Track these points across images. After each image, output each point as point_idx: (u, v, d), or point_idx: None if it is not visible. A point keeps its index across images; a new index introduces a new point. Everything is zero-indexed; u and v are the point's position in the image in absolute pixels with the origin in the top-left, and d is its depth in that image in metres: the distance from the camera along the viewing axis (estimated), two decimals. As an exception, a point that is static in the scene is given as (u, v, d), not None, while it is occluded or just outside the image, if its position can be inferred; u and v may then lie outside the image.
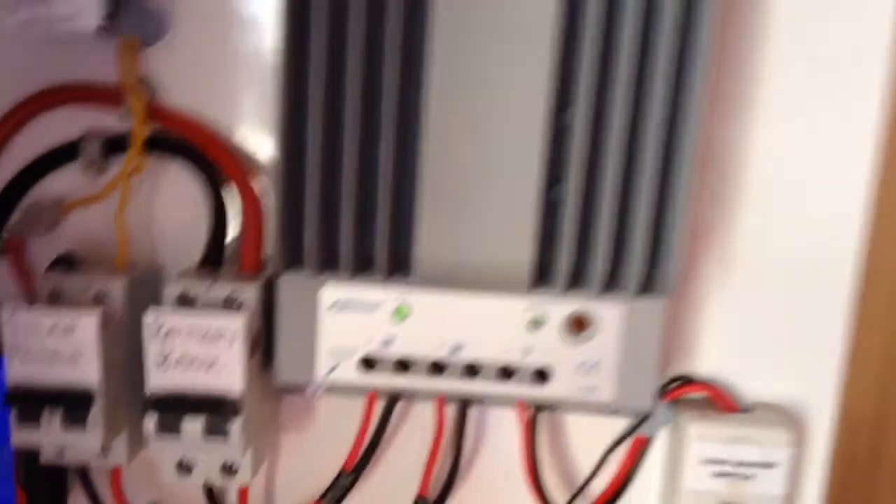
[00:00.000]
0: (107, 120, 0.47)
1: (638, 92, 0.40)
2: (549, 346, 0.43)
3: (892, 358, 0.43)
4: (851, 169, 0.46)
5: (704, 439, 0.46)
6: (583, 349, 0.43)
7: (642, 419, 0.48)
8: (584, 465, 0.50)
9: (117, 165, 0.47)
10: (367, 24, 0.40)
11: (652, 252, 0.42)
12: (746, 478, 0.46)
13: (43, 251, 0.48)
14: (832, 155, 0.46)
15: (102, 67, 0.46)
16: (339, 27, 0.40)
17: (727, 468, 0.46)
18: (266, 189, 0.47)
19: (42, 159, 0.48)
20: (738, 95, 0.46)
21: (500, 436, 0.50)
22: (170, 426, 0.41)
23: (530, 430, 0.47)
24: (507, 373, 0.44)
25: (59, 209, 0.48)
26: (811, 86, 0.45)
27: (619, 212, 0.41)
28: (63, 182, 0.48)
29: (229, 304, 0.43)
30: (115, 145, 0.47)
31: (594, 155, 0.41)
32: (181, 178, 0.48)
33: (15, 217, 0.48)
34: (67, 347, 0.41)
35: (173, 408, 0.41)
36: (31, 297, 0.47)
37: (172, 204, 0.48)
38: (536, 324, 0.43)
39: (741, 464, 0.46)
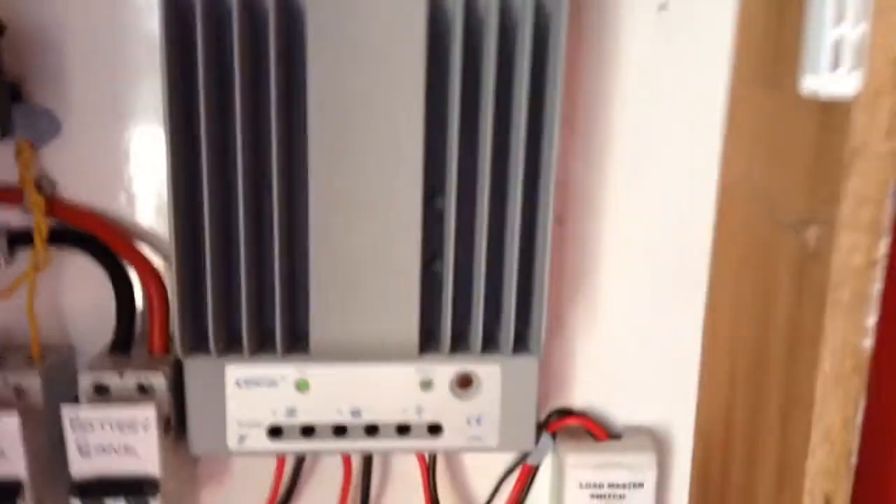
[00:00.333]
0: (8, 216, 0.50)
1: (498, 182, 0.46)
2: (440, 404, 0.48)
3: (734, 385, 0.50)
4: (693, 227, 0.52)
5: (580, 467, 0.52)
6: (469, 404, 0.48)
7: (527, 451, 0.54)
8: (481, 494, 0.56)
9: (23, 257, 0.50)
10: (251, 117, 0.44)
11: (521, 317, 0.47)
12: (620, 497, 0.52)
13: (-46, 345, 0.51)
14: (676, 212, 0.52)
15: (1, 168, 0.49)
16: (225, 122, 0.44)
17: (602, 490, 0.52)
18: (168, 274, 0.50)
19: (-54, 256, 0.50)
20: (587, 180, 0.51)
21: (404, 479, 0.55)
22: (95, 510, 0.45)
23: (428, 473, 0.53)
24: (403, 429, 0.49)
25: (-32, 304, 0.50)
26: (655, 155, 0.51)
27: (490, 283, 0.47)
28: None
29: (141, 390, 0.47)
30: (18, 239, 0.50)
31: (465, 234, 0.46)
32: (85, 266, 0.51)
33: (-77, 313, 0.50)
34: (-10, 445, 0.44)
35: (96, 493, 0.45)
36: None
37: (79, 291, 0.51)
38: (426, 385, 0.48)
39: (613, 485, 0.52)
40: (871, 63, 0.35)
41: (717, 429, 0.53)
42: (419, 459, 0.53)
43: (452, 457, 0.56)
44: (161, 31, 0.42)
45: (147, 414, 0.45)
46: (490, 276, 0.47)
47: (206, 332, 0.46)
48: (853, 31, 0.34)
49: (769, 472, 0.45)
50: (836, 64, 0.35)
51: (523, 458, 0.54)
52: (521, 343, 0.48)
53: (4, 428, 0.44)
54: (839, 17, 0.35)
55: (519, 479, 0.55)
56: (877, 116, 0.36)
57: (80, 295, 0.52)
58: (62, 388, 0.50)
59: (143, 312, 0.51)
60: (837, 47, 0.35)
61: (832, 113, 0.38)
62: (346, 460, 0.53)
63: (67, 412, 0.44)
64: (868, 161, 0.36)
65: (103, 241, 0.50)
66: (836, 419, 0.41)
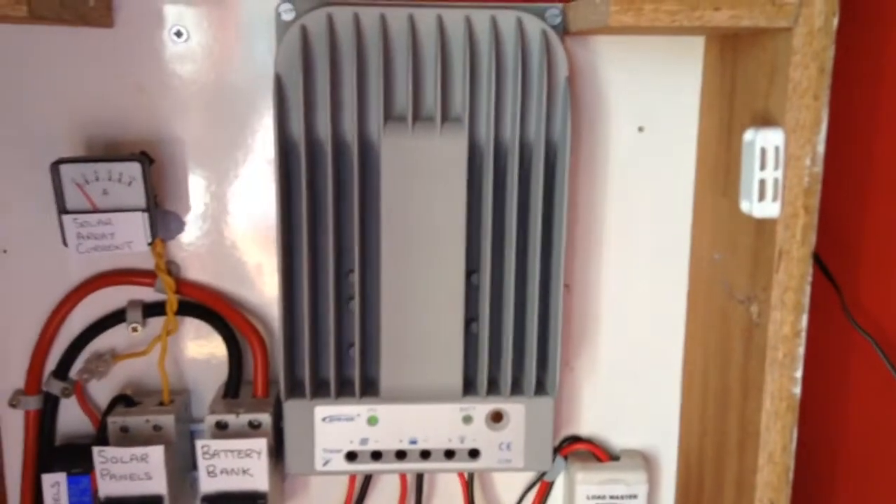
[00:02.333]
0: (142, 292, 0.64)
1: (520, 261, 0.60)
2: (478, 434, 0.63)
3: (705, 419, 0.64)
4: (671, 295, 0.67)
5: (587, 482, 0.66)
6: (501, 434, 0.63)
7: (545, 470, 0.68)
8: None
9: (150, 323, 0.65)
10: (339, 223, 0.58)
11: (539, 367, 0.62)
12: (618, 506, 0.67)
13: (100, 392, 0.66)
14: (656, 283, 0.67)
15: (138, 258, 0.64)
16: (317, 228, 0.59)
17: (605, 501, 0.67)
18: (269, 340, 0.65)
19: (98, 322, 0.65)
20: (587, 259, 0.66)
21: (447, 494, 0.69)
22: (220, 518, 0.60)
23: (467, 487, 0.67)
24: (450, 454, 0.63)
25: (113, 359, 0.65)
26: (638, 240, 0.66)
27: (515, 341, 0.61)
28: (113, 338, 0.65)
29: (251, 426, 0.61)
30: (151, 310, 0.64)
31: (495, 303, 0.61)
32: (201, 330, 0.66)
33: (78, 366, 0.65)
34: (142, 469, 0.59)
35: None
36: (98, 428, 0.64)
37: (196, 349, 0.66)
38: (467, 419, 0.63)
39: (613, 497, 0.67)
40: (787, 197, 0.50)
41: (693, 451, 0.67)
42: (460, 478, 0.67)
43: (486, 475, 0.70)
44: (276, 160, 0.57)
45: (260, 445, 0.59)
46: (515, 335, 0.61)
47: (301, 381, 0.61)
48: (773, 174, 0.49)
49: (731, 485, 0.60)
50: (762, 196, 0.50)
51: (541, 475, 0.69)
52: (540, 386, 0.62)
53: (152, 457, 0.59)
54: (763, 164, 0.49)
55: (538, 493, 0.69)
56: (794, 231, 0.51)
57: (196, 351, 0.66)
58: (185, 424, 0.65)
59: (246, 366, 0.66)
60: (763, 185, 0.50)
61: (763, 224, 0.53)
62: (403, 479, 0.67)
63: (200, 444, 0.59)
64: (789, 262, 0.51)
65: (217, 310, 0.64)
66: (777, 446, 0.55)
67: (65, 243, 0.58)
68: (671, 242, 0.67)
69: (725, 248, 0.60)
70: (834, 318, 0.67)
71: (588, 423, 0.69)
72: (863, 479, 0.72)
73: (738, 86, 0.58)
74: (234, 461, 0.60)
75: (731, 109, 0.59)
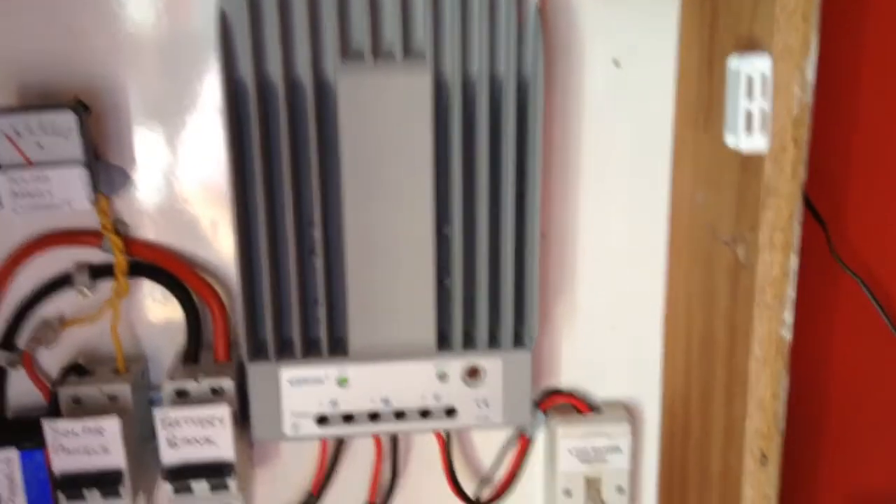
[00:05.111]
0: (89, 254, 0.60)
1: (493, 210, 0.57)
2: (454, 391, 0.60)
3: (689, 366, 0.62)
4: (650, 237, 0.64)
5: (569, 437, 0.64)
6: (478, 390, 0.60)
7: (525, 426, 0.65)
8: (486, 462, 0.68)
9: (101, 287, 0.60)
10: (296, 169, 0.54)
11: (517, 319, 0.59)
12: (602, 461, 0.64)
13: (50, 361, 0.62)
14: (635, 225, 0.64)
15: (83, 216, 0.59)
16: (275, 173, 0.54)
17: (588, 454, 0.64)
18: (228, 301, 0.61)
19: (43, 287, 0.60)
20: (563, 203, 0.63)
21: (424, 454, 0.66)
22: (183, 489, 0.56)
23: (445, 447, 0.64)
24: (425, 413, 0.60)
25: (61, 326, 0.61)
26: (615, 180, 0.63)
27: (490, 294, 0.58)
28: (61, 303, 0.61)
29: (214, 392, 0.58)
30: (98, 272, 0.60)
31: (469, 254, 0.58)
32: (155, 292, 0.61)
33: (25, 335, 0.60)
34: (98, 442, 0.55)
35: (184, 476, 0.56)
36: (49, 401, 0.60)
37: (150, 312, 0.62)
38: (443, 376, 0.59)
39: (596, 450, 0.64)
40: (774, 128, 0.46)
41: (677, 401, 0.65)
42: (437, 437, 0.65)
43: (463, 434, 0.67)
44: (223, 105, 0.52)
45: (222, 412, 0.56)
46: (490, 287, 0.58)
47: (264, 342, 0.57)
48: (760, 104, 0.46)
49: (718, 435, 0.57)
50: (749, 128, 0.46)
51: (521, 431, 0.66)
52: (518, 339, 0.59)
53: (107, 429, 0.55)
54: (749, 94, 0.46)
55: (518, 450, 0.67)
56: (782, 166, 0.47)
57: (151, 315, 0.62)
58: (143, 392, 0.61)
59: (205, 329, 0.62)
60: (749, 116, 0.46)
61: (749, 160, 0.49)
62: (377, 441, 0.64)
63: (159, 413, 0.55)
64: (777, 198, 0.48)
65: (171, 271, 0.60)
66: (767, 393, 0.52)
67: (-1, 204, 0.54)
68: (650, 183, 0.63)
69: (708, 186, 0.56)
70: (819, 257, 0.64)
71: (567, 375, 0.67)
72: (853, 422, 0.70)
73: (719, 11, 0.54)
74: (196, 430, 0.56)
75: (711, 37, 0.55)
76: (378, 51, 0.54)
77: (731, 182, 0.53)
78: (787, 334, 0.51)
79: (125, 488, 0.56)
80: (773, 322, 0.51)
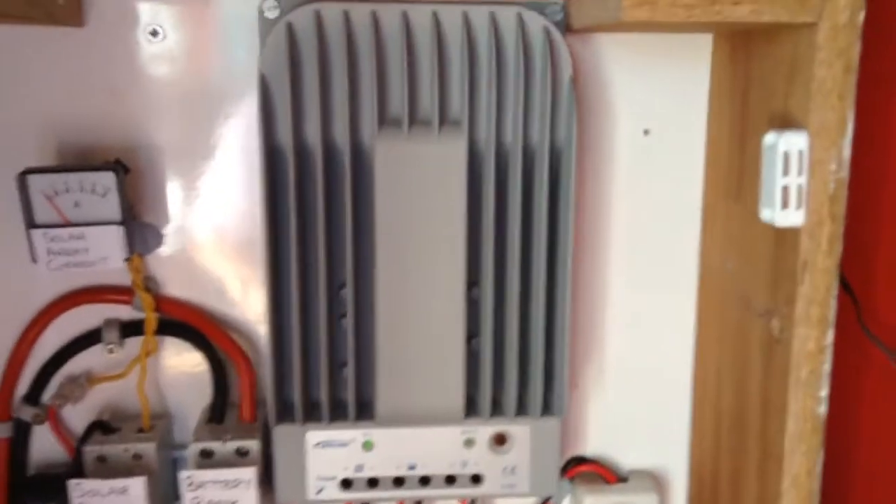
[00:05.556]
0: (119, 311, 0.60)
1: (524, 276, 0.57)
2: (480, 458, 0.59)
3: (718, 439, 0.61)
4: (679, 307, 0.64)
5: (596, 507, 0.63)
6: (504, 458, 0.59)
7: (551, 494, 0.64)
8: (511, 530, 0.67)
9: (129, 343, 0.60)
10: (330, 234, 0.54)
11: (546, 386, 0.58)
12: (628, 531, 0.63)
13: (74, 418, 0.61)
14: (664, 294, 0.63)
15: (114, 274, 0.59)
16: (308, 238, 0.55)
17: (614, 525, 0.63)
18: (255, 360, 0.61)
19: (71, 343, 0.60)
20: (592, 271, 0.63)
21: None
22: (206, 554, 0.56)
23: (470, 514, 0.64)
24: (451, 480, 0.59)
25: (88, 382, 0.61)
26: (644, 249, 0.63)
27: (520, 360, 0.58)
28: (87, 359, 0.61)
29: (238, 453, 0.57)
30: (128, 330, 0.60)
31: (499, 320, 0.57)
32: (183, 351, 0.61)
33: (51, 390, 0.60)
34: (122, 503, 0.55)
35: (207, 539, 0.55)
36: (73, 458, 0.59)
37: (177, 370, 0.62)
38: (469, 443, 0.59)
39: (623, 521, 0.63)
40: (811, 204, 0.47)
41: (706, 473, 0.64)
42: (462, 504, 0.64)
43: (488, 501, 0.66)
44: (261, 168, 0.53)
45: (249, 474, 0.55)
46: (520, 353, 0.58)
47: (291, 404, 0.57)
48: (797, 179, 0.46)
49: (750, 509, 0.56)
50: (785, 203, 0.46)
51: (546, 499, 0.65)
52: (547, 406, 0.59)
53: (132, 489, 0.55)
54: (786, 171, 0.46)
55: (543, 517, 0.66)
56: (819, 241, 0.47)
57: (177, 373, 0.62)
58: (167, 451, 0.61)
59: (231, 388, 0.62)
60: (786, 191, 0.46)
61: (784, 233, 0.49)
62: (401, 508, 0.63)
63: (184, 476, 0.55)
64: (814, 274, 0.48)
65: (200, 329, 0.60)
66: (802, 470, 0.52)
67: (34, 259, 0.54)
68: (680, 252, 0.63)
69: (740, 257, 0.56)
70: (849, 330, 0.63)
71: (593, 442, 0.66)
72: (884, 496, 0.68)
73: (752, 85, 0.54)
74: (222, 492, 0.55)
75: (744, 111, 0.55)
76: (414, 118, 0.54)
77: (765, 255, 0.53)
78: (823, 410, 0.51)
79: (147, 551, 0.56)
80: (808, 398, 0.50)
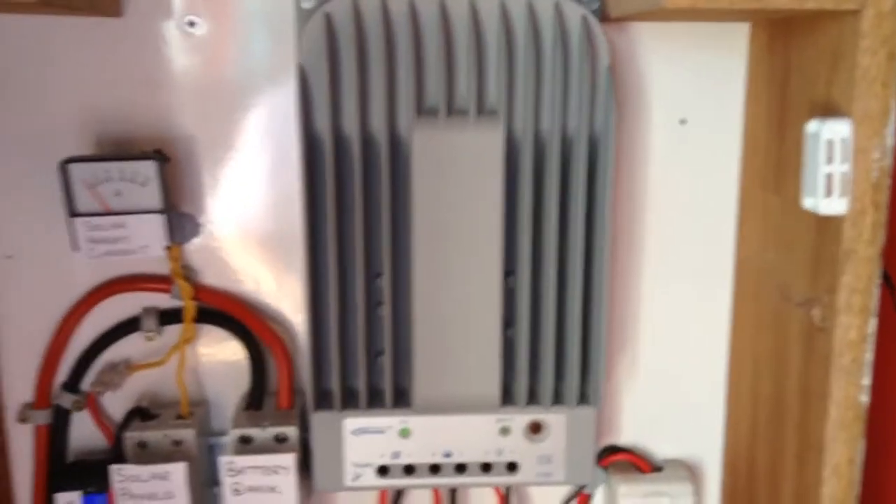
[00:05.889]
0: (157, 299, 0.61)
1: (561, 264, 0.57)
2: (516, 447, 0.59)
3: (755, 428, 0.61)
4: (714, 295, 0.63)
5: (630, 495, 0.63)
6: (540, 446, 0.59)
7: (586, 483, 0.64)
8: (544, 519, 0.67)
9: (167, 331, 0.61)
10: (368, 221, 0.55)
11: (582, 375, 0.58)
12: (662, 520, 0.63)
13: (113, 404, 0.62)
14: (699, 282, 0.63)
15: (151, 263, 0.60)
16: (344, 229, 0.55)
17: (648, 514, 0.63)
18: (292, 347, 0.62)
19: (110, 331, 0.61)
20: (628, 259, 0.63)
21: (482, 508, 0.66)
22: (245, 538, 0.56)
23: (504, 502, 0.64)
24: (486, 468, 0.60)
25: (127, 369, 0.61)
26: (680, 237, 0.63)
27: (556, 349, 0.58)
28: (127, 348, 0.61)
29: (279, 440, 0.58)
30: (166, 318, 0.61)
31: (535, 308, 0.57)
32: (220, 339, 0.62)
33: (90, 377, 0.61)
34: (163, 488, 0.55)
35: (247, 525, 0.56)
36: (112, 444, 0.60)
37: (214, 357, 0.62)
38: (505, 431, 0.59)
39: (657, 510, 0.63)
40: (855, 192, 0.46)
41: (741, 463, 0.63)
42: (496, 492, 0.64)
43: (521, 488, 0.66)
44: (300, 157, 0.53)
45: (288, 461, 0.56)
46: (556, 342, 0.58)
47: (330, 391, 0.57)
48: (840, 168, 0.46)
49: (789, 497, 0.56)
50: (828, 192, 0.46)
51: (580, 488, 0.65)
52: (583, 396, 0.59)
53: (173, 474, 0.56)
54: (829, 159, 0.46)
55: (577, 506, 0.66)
56: (861, 230, 0.47)
57: (214, 361, 0.63)
58: (205, 437, 0.61)
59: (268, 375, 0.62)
60: (829, 180, 0.46)
61: (826, 222, 0.49)
62: (436, 493, 0.64)
63: (225, 461, 0.55)
64: (856, 263, 0.48)
65: (237, 317, 0.61)
66: (843, 458, 0.51)
67: (75, 248, 0.55)
68: (715, 242, 0.63)
69: (779, 247, 0.56)
70: (886, 318, 0.63)
71: (627, 432, 0.66)
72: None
73: (792, 74, 0.54)
74: (261, 478, 0.56)
75: (783, 99, 0.55)
76: (452, 107, 0.54)
77: (806, 244, 0.52)
78: (865, 399, 0.51)
79: (188, 536, 0.56)
80: (850, 386, 0.50)
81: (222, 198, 0.60)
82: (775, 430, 0.57)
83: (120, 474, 0.55)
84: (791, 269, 0.54)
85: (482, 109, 0.55)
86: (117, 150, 0.58)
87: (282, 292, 0.62)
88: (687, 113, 0.61)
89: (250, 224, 0.61)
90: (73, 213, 0.54)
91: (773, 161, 0.56)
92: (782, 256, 0.56)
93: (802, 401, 0.54)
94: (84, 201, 0.54)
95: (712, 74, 0.60)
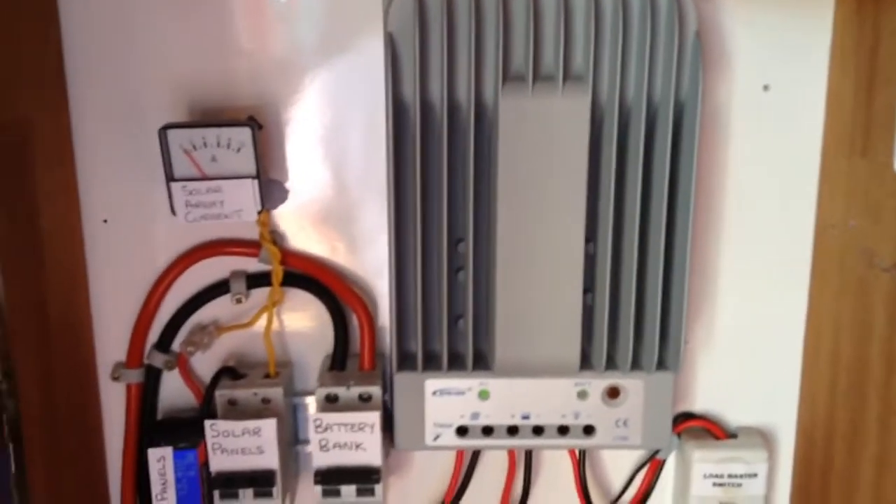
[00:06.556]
0: (245, 263, 0.63)
1: (643, 231, 0.57)
2: (594, 410, 0.60)
3: (834, 393, 0.61)
4: (794, 260, 0.63)
5: (705, 461, 0.64)
6: (617, 411, 0.60)
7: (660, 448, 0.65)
8: (616, 482, 0.68)
9: (254, 294, 0.63)
10: (451, 187, 0.56)
11: (661, 342, 0.59)
12: (737, 485, 0.64)
13: (201, 364, 0.64)
14: (779, 247, 0.63)
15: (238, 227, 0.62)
16: (428, 195, 0.56)
17: (723, 479, 0.64)
18: (374, 311, 0.63)
19: (200, 293, 0.63)
20: (707, 224, 0.63)
21: (556, 470, 0.67)
22: (332, 492, 0.58)
23: (579, 465, 0.65)
24: (563, 430, 0.61)
25: (217, 331, 0.64)
26: (760, 202, 0.63)
27: (636, 314, 0.58)
28: (216, 310, 0.64)
29: (361, 399, 0.60)
30: (254, 281, 0.63)
31: (616, 274, 0.58)
32: (303, 303, 0.64)
33: (181, 338, 0.64)
34: (254, 443, 0.58)
35: (334, 480, 0.58)
36: (202, 402, 0.62)
37: (299, 320, 0.64)
38: (583, 395, 0.60)
39: (732, 476, 0.64)
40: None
41: (818, 430, 0.64)
42: (571, 455, 0.65)
43: (594, 452, 0.67)
44: (388, 124, 0.54)
45: (373, 418, 0.58)
46: (637, 308, 0.58)
47: (411, 353, 0.59)
48: (939, 131, 0.45)
49: (869, 463, 0.56)
50: (925, 155, 0.46)
51: (654, 453, 0.66)
52: (661, 361, 0.59)
53: (264, 430, 0.58)
54: (928, 122, 0.46)
55: (649, 471, 0.66)
56: (957, 194, 0.47)
57: (297, 323, 0.65)
58: (290, 397, 0.63)
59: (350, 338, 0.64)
60: (926, 143, 0.46)
61: (921, 188, 0.49)
62: (511, 455, 0.65)
63: (313, 418, 0.57)
64: (951, 227, 0.47)
65: (322, 281, 0.62)
66: (926, 424, 0.51)
67: (173, 212, 0.57)
68: (795, 208, 0.63)
69: (865, 212, 0.56)
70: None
71: (702, 398, 0.66)
72: None
73: (882, 40, 0.53)
74: (347, 435, 0.58)
75: (871, 65, 0.55)
76: (538, 75, 0.55)
77: (893, 209, 0.52)
78: (952, 365, 0.50)
79: (277, 488, 0.59)
80: (937, 353, 0.50)
81: (308, 164, 0.62)
82: (857, 396, 0.58)
83: (214, 429, 0.58)
84: (877, 234, 0.54)
85: (568, 77, 0.55)
86: (207, 117, 0.60)
87: (363, 257, 0.63)
88: (770, 79, 0.61)
89: (333, 191, 0.62)
90: (171, 178, 0.56)
91: (860, 126, 0.56)
92: (867, 222, 0.55)
93: (888, 367, 0.54)
94: (181, 166, 0.56)
95: (796, 40, 0.60)
